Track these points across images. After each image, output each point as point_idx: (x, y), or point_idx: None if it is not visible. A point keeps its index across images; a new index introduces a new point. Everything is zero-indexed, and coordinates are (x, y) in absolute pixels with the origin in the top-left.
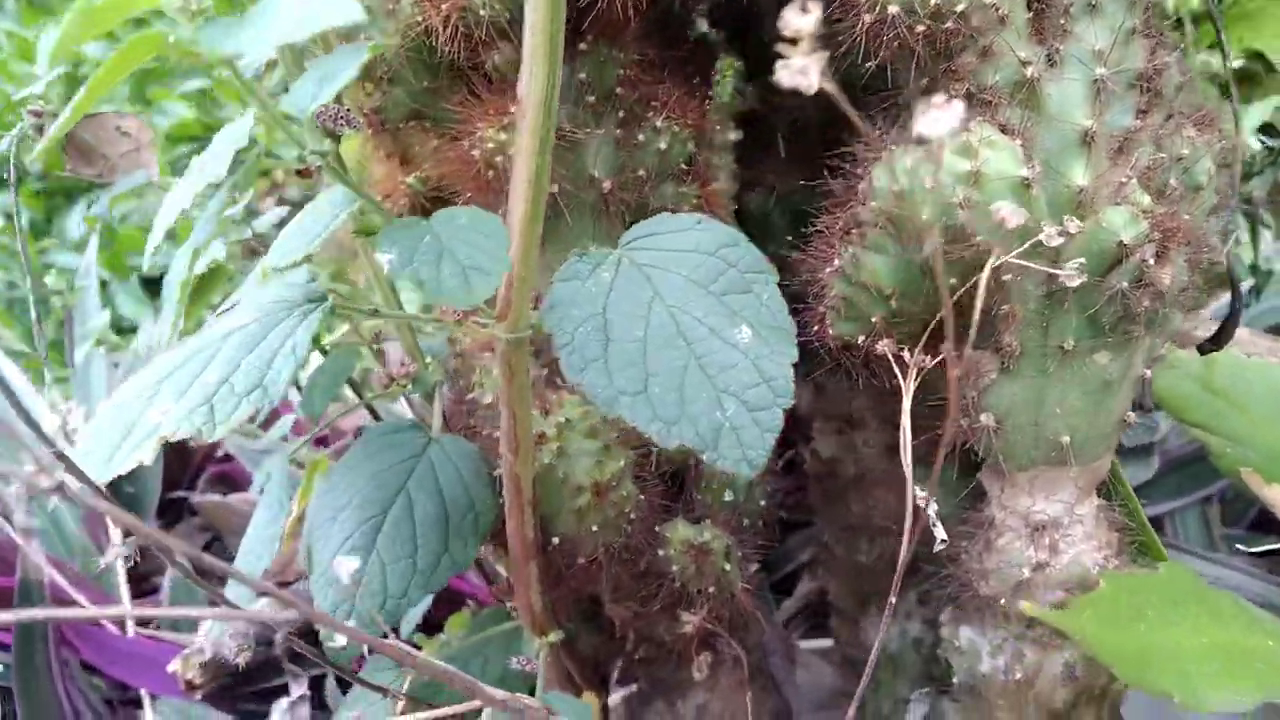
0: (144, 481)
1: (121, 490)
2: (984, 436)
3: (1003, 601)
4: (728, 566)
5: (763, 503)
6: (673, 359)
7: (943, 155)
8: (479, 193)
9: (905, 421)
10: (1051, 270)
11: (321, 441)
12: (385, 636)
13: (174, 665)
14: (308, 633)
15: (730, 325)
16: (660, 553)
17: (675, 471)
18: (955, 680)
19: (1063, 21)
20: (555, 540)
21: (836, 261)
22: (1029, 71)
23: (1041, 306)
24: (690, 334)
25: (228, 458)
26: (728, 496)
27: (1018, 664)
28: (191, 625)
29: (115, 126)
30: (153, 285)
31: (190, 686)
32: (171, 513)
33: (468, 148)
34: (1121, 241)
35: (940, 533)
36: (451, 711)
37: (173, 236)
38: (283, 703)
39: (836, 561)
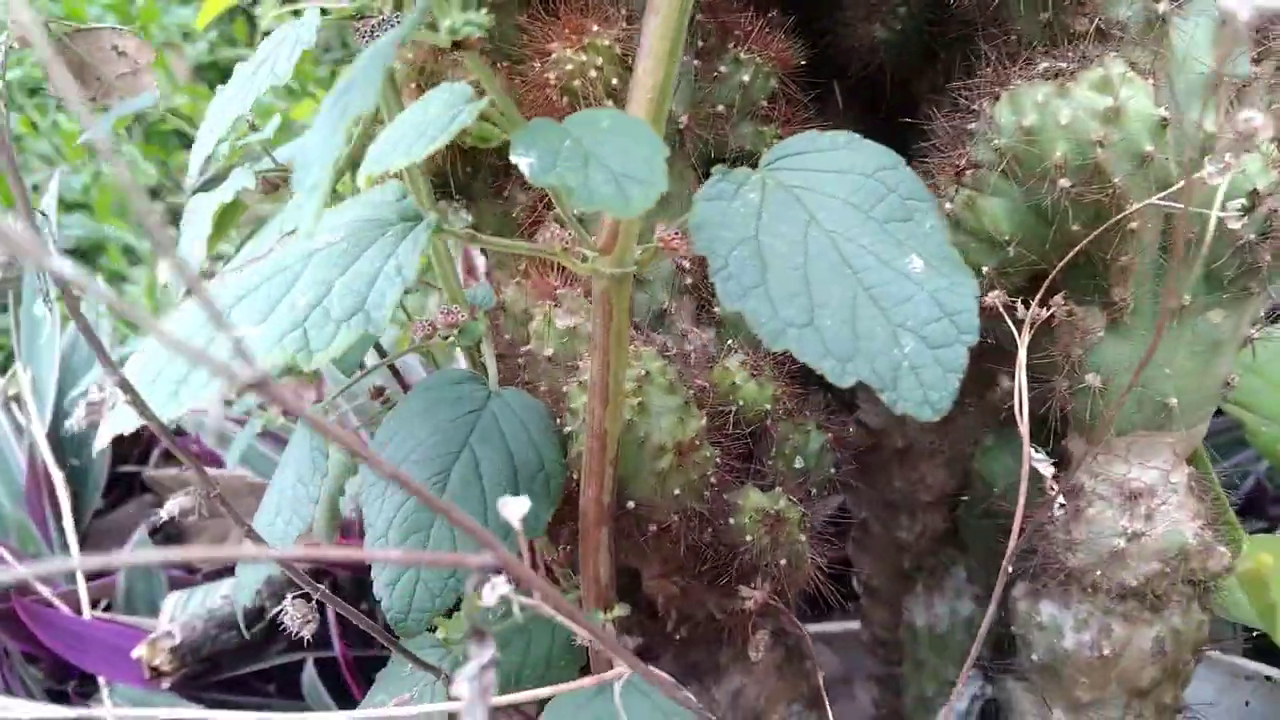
0: (91, 455)
1: (66, 463)
2: (1088, 399)
3: (1098, 574)
4: (802, 537)
5: (832, 470)
6: (839, 290)
7: (1077, 90)
8: None
9: (1020, 377)
10: (1213, 214)
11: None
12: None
13: (139, 651)
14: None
15: (899, 255)
16: (730, 521)
17: (750, 434)
18: (1032, 658)
19: None
20: (630, 505)
21: (947, 205)
22: (1160, 8)
23: (1160, 259)
24: (855, 263)
25: (180, 431)
26: (799, 463)
27: (1105, 639)
28: (149, 608)
29: (112, 45)
30: None
31: (156, 674)
32: (120, 488)
33: (540, 71)
34: (1256, 189)
35: (1060, 500)
36: (529, 697)
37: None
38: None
39: (873, 539)
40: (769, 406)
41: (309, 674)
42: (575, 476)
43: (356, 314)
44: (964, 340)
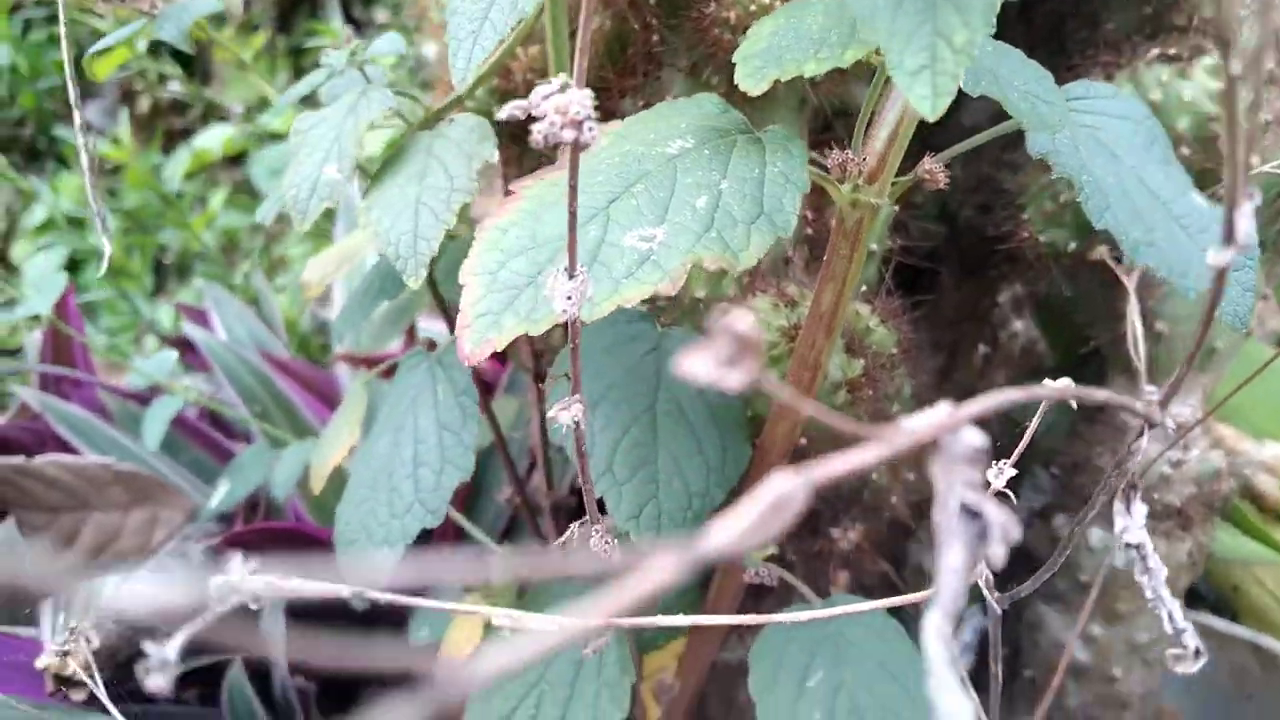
0: None
1: None
2: (1158, 344)
3: (1152, 497)
4: (911, 475)
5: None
6: (1158, 217)
7: (1195, 73)
8: None
9: (1134, 318)
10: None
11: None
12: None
13: (43, 660)
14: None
15: (1184, 190)
16: None
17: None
18: (1079, 578)
19: None
20: (803, 441)
21: None
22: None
23: None
24: (1161, 195)
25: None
26: (895, 407)
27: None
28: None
29: None
30: None
31: (63, 685)
32: None
33: (715, 11)
34: None
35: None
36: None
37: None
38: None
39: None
40: (894, 350)
41: (234, 677)
42: (751, 414)
43: (759, 217)
44: (1250, 265)
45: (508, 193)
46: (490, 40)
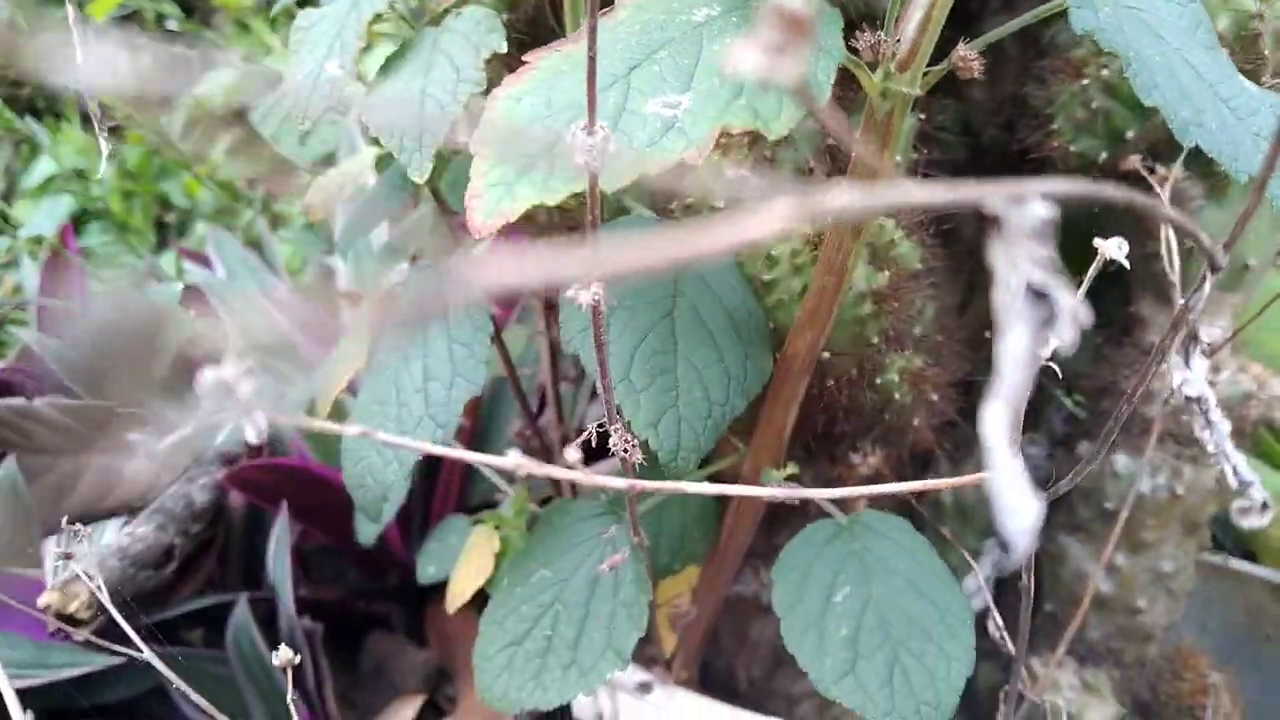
0: None
1: None
2: (1188, 260)
3: (1174, 424)
4: (935, 396)
5: (940, 338)
6: (1206, 99)
7: None
8: None
9: (1168, 233)
10: None
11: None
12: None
13: (46, 599)
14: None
15: (1231, 73)
16: (879, 380)
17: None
18: (1104, 505)
19: None
20: (825, 355)
21: (1104, 72)
22: None
23: None
24: (1208, 77)
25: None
26: (917, 327)
27: (1178, 480)
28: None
29: None
30: None
31: (69, 624)
32: None
33: None
34: None
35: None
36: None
37: None
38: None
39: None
40: (920, 266)
41: (239, 617)
42: (772, 325)
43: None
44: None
45: (522, 64)
46: None
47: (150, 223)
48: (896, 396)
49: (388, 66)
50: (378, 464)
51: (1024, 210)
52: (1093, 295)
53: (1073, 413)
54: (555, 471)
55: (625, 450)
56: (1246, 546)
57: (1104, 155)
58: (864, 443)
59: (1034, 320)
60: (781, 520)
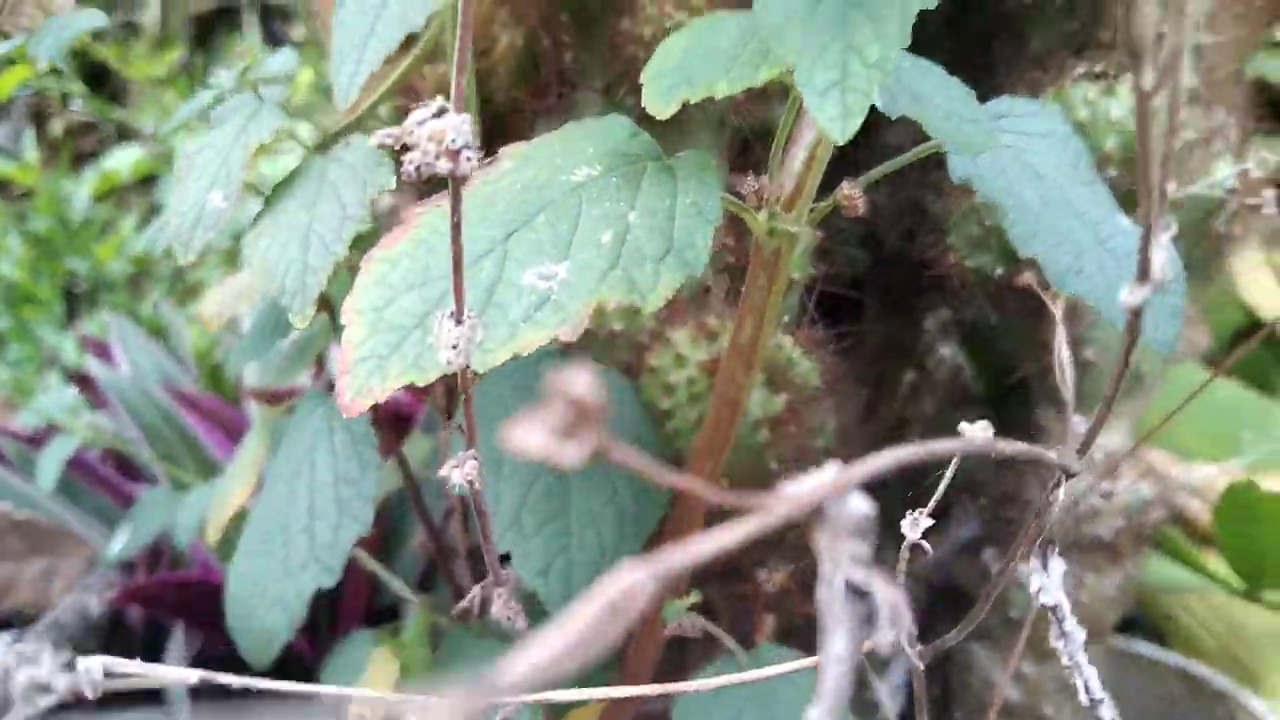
0: None
1: None
2: (1086, 373)
3: (1078, 531)
4: None
5: (844, 451)
6: (1085, 240)
7: (1122, 91)
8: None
9: (1061, 346)
10: (1254, 202)
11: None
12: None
13: None
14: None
15: (1110, 212)
16: None
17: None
18: (1009, 615)
19: None
20: (724, 482)
21: None
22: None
23: None
24: (1087, 217)
25: None
26: (819, 442)
27: (1081, 589)
28: None
29: None
30: None
31: None
32: None
33: (629, 27)
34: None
35: (1096, 460)
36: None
37: None
38: None
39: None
40: (818, 384)
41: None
42: (670, 455)
43: (668, 253)
44: (1177, 290)
45: (402, 221)
46: (376, 56)
47: (59, 294)
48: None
49: (275, 195)
50: (260, 608)
51: (846, 506)
52: (996, 405)
53: (979, 518)
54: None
55: (509, 618)
56: (1161, 634)
57: (999, 270)
58: (770, 560)
59: (854, 619)
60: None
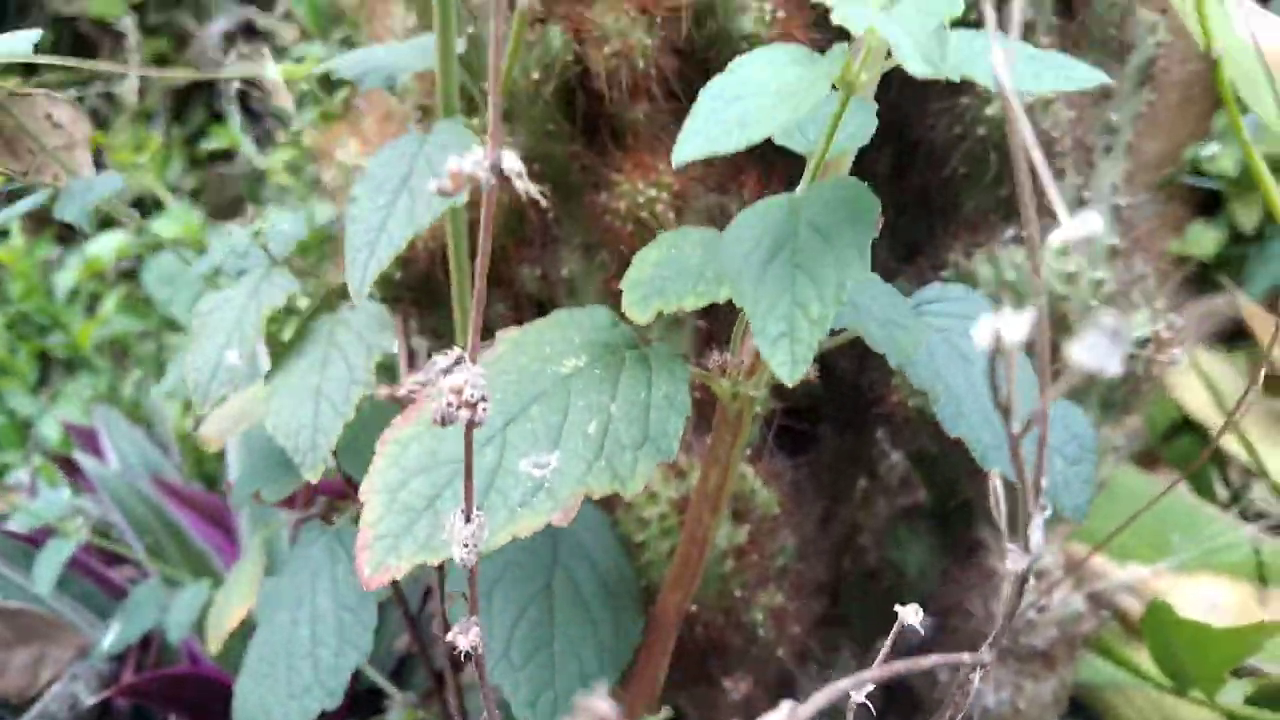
0: None
1: None
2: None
3: (1015, 642)
4: (796, 629)
5: (801, 565)
6: (990, 412)
7: (1046, 256)
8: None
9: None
10: (1164, 359)
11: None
12: None
13: None
14: None
15: (1033, 390)
16: (744, 618)
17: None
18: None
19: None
20: (693, 609)
21: None
22: (1084, 195)
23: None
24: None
25: None
26: (780, 561)
27: (1019, 695)
28: None
29: (46, 114)
30: None
31: None
32: None
33: (606, 200)
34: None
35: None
36: None
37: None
38: None
39: None
40: (777, 511)
41: None
42: (644, 584)
43: (645, 443)
44: (1089, 458)
45: (411, 400)
46: (387, 253)
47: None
48: (760, 634)
49: (285, 354)
50: None
51: None
52: (943, 519)
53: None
54: None
55: None
56: None
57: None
58: (736, 671)
59: None
60: None
